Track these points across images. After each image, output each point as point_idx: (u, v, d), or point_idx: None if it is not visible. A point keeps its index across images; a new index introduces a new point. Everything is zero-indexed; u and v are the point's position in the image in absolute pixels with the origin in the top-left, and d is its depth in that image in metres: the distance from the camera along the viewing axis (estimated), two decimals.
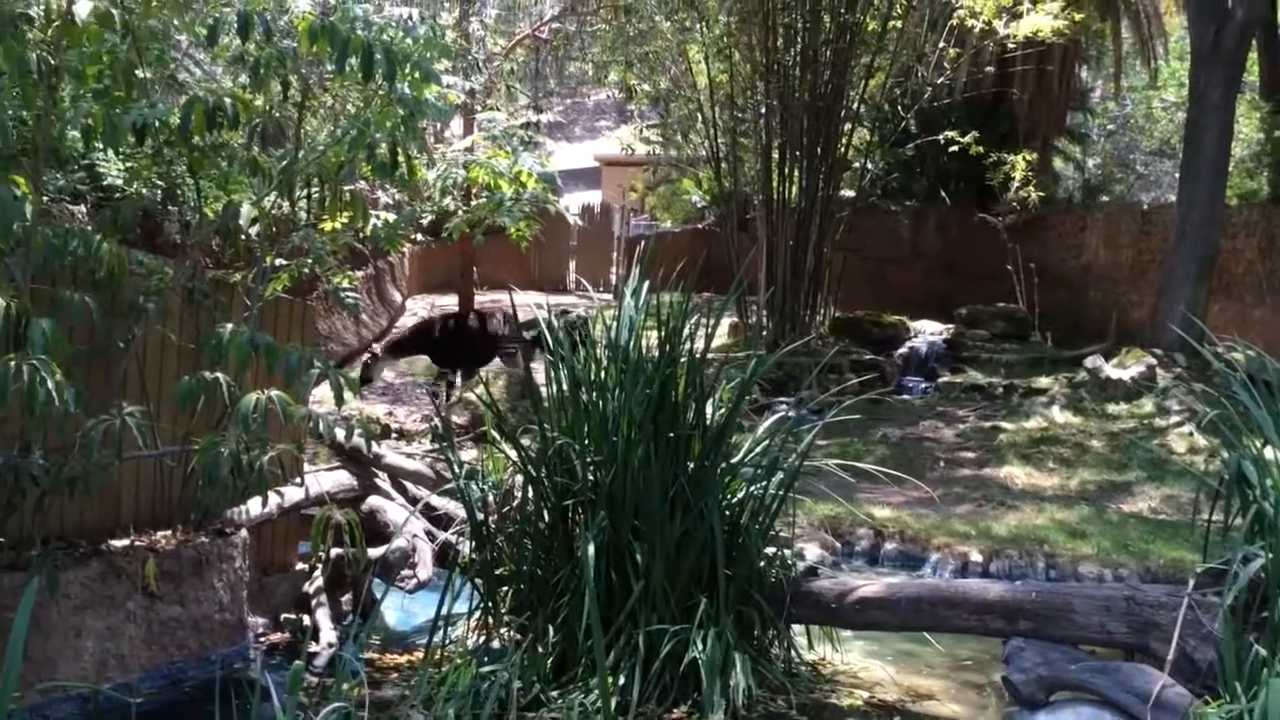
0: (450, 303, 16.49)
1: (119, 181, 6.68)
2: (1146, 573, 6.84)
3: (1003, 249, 16.98)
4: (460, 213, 8.11)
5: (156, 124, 4.32)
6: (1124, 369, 12.33)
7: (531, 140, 8.76)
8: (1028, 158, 16.58)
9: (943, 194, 19.52)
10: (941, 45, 14.76)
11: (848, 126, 14.72)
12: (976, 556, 7.34)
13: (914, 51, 15.06)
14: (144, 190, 5.39)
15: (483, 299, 16.56)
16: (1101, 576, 6.86)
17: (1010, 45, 14.63)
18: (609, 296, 18.69)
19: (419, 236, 13.54)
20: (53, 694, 4.26)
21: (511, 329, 11.25)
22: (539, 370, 10.76)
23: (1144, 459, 9.85)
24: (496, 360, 11.56)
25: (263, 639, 5.30)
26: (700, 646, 4.34)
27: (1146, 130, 24.97)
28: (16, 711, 3.90)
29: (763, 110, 14.66)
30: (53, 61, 4.05)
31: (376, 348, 11.18)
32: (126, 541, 4.83)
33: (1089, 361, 12.73)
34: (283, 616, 5.50)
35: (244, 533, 5.23)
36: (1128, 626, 4.34)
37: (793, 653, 4.97)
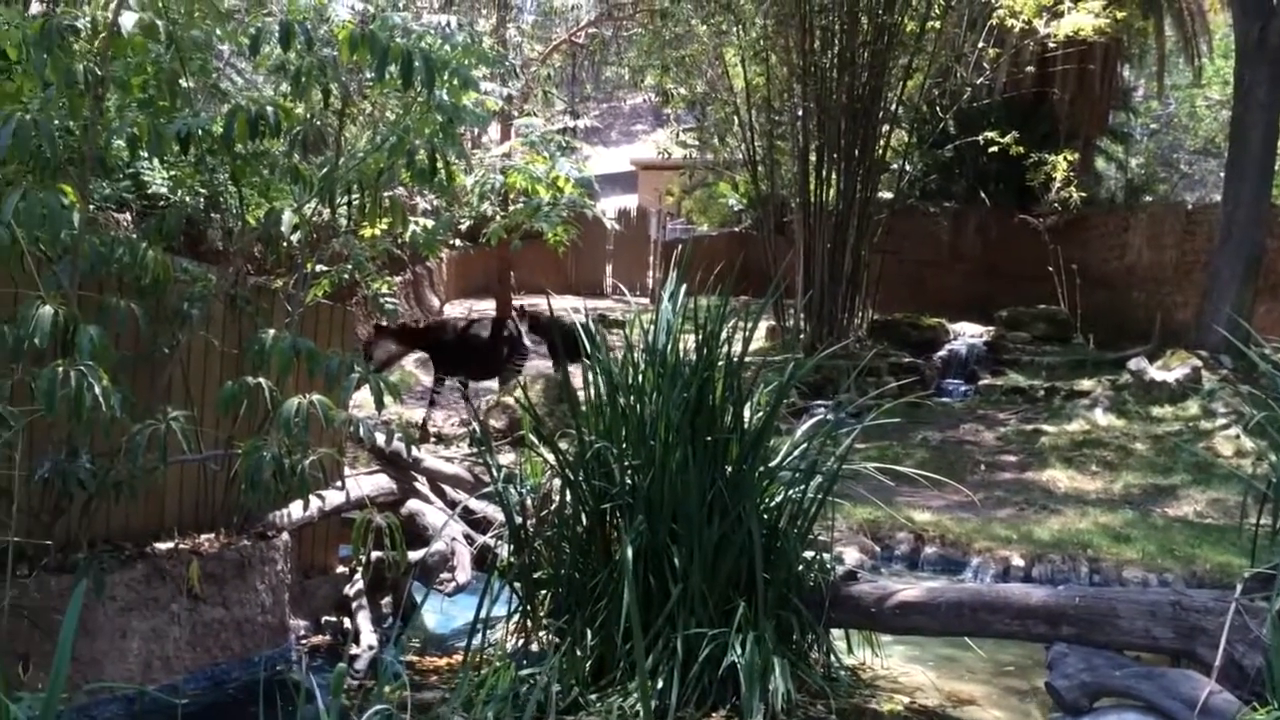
0: (488, 307, 16.59)
1: (163, 190, 6.79)
2: (1192, 577, 6.74)
3: (1044, 250, 16.82)
4: (498, 218, 8.17)
5: (200, 133, 4.38)
6: (1168, 371, 12.16)
7: (568, 145, 8.80)
8: (1069, 158, 16.40)
9: (982, 195, 19.38)
10: (981, 45, 14.66)
11: (885, 128, 14.66)
12: (1018, 561, 7.27)
13: (953, 52, 14.96)
14: (188, 198, 5.47)
15: (519, 303, 16.64)
16: (1146, 581, 6.77)
17: (1051, 44, 14.51)
18: (646, 300, 18.73)
19: (457, 242, 13.64)
20: (99, 694, 4.33)
21: (519, 337, 11.13)
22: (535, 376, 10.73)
23: (1189, 462, 9.71)
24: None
25: (304, 641, 5.35)
26: (739, 650, 4.33)
27: (1190, 129, 24.70)
28: (65, 712, 3.96)
29: (799, 113, 14.63)
30: (99, 72, 4.12)
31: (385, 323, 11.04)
32: (171, 544, 4.90)
33: (1132, 364, 12.57)
34: (323, 619, 5.55)
35: (285, 536, 5.29)
36: (1174, 632, 4.28)
37: (832, 657, 4.94)
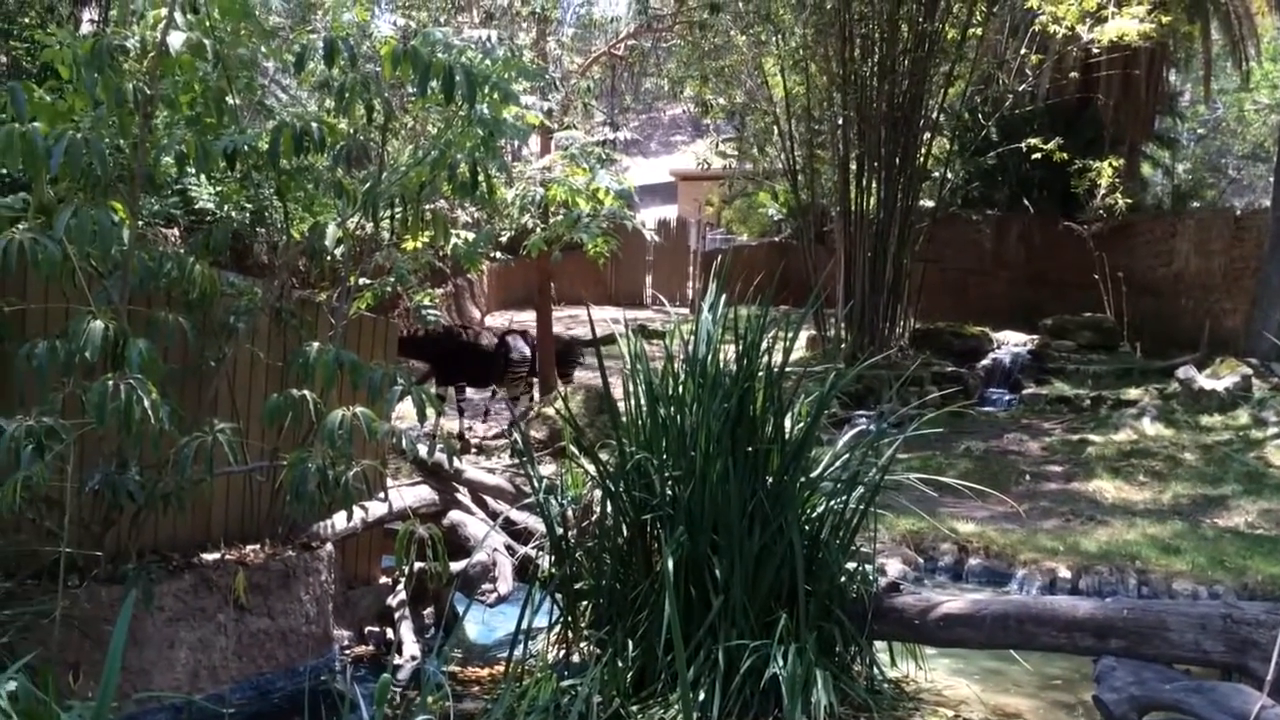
0: (528, 319, 16.67)
1: (210, 205, 6.89)
2: (1243, 589, 6.63)
3: (1089, 258, 16.63)
4: (538, 230, 8.21)
5: (246, 149, 4.45)
6: (1218, 379, 11.97)
7: (608, 157, 8.83)
8: (1114, 164, 16.21)
9: (1026, 202, 19.21)
10: (1023, 51, 14.54)
11: (927, 136, 14.58)
12: (1065, 573, 7.18)
13: (995, 59, 14.85)
14: (234, 213, 5.55)
15: (559, 314, 16.70)
16: (1196, 593, 6.66)
17: (1095, 50, 14.34)
18: (686, 311, 18.73)
19: (498, 254, 13.72)
20: (147, 704, 4.39)
21: (528, 349, 11.02)
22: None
23: (1240, 472, 9.55)
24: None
25: (347, 651, 5.40)
26: (780, 662, 4.31)
27: (1239, 133, 24.35)
28: None
29: (840, 121, 14.58)
30: (148, 91, 4.20)
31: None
32: (217, 555, 4.97)
33: (1181, 372, 12.39)
34: (367, 629, 5.60)
35: (329, 547, 5.34)
36: (1225, 645, 4.20)
37: (875, 670, 4.90)
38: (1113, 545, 7.58)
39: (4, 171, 6.47)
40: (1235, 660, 4.19)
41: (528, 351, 11.06)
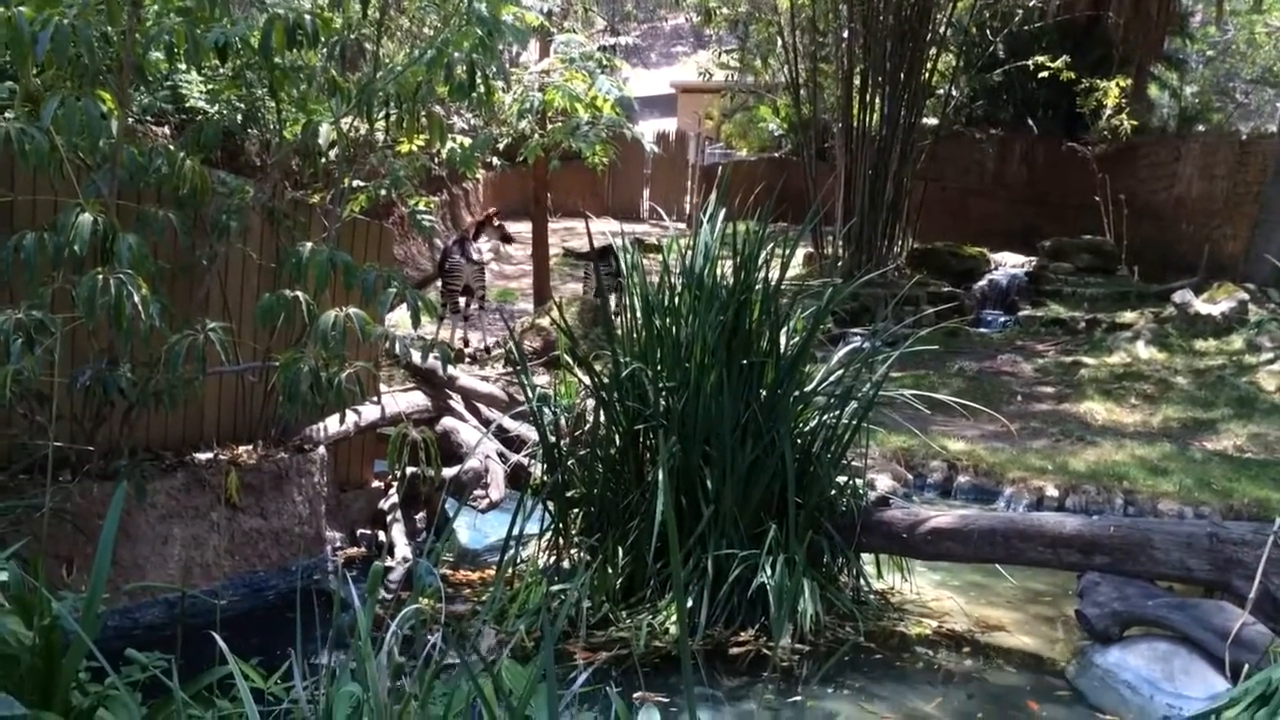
0: (524, 229, 16.54)
1: (201, 103, 6.74)
2: (1229, 511, 6.69)
3: (1091, 179, 16.46)
4: (536, 137, 8.09)
5: (238, 42, 4.33)
6: (1214, 304, 11.95)
7: (608, 63, 8.66)
8: (1121, 84, 15.95)
9: (1030, 122, 18.95)
10: None
11: (933, 51, 14.30)
12: (1052, 491, 7.24)
13: None
14: (225, 111, 5.44)
15: (555, 225, 16.54)
16: (1182, 514, 6.73)
17: None
18: (683, 225, 18.59)
19: (495, 160, 13.54)
20: (141, 597, 4.44)
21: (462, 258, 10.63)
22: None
23: (1231, 396, 9.58)
24: None
25: (340, 552, 5.45)
26: (769, 572, 4.36)
27: (1248, 57, 23.98)
28: (107, 612, 4.06)
29: (845, 34, 14.30)
30: None
31: None
32: (210, 455, 4.98)
33: (1177, 296, 12.36)
34: (359, 532, 5.64)
35: (322, 449, 5.35)
36: (1209, 564, 4.25)
37: (862, 581, 4.98)
38: (1101, 466, 7.63)
39: None
40: (1219, 578, 4.25)
41: (462, 260, 10.63)
